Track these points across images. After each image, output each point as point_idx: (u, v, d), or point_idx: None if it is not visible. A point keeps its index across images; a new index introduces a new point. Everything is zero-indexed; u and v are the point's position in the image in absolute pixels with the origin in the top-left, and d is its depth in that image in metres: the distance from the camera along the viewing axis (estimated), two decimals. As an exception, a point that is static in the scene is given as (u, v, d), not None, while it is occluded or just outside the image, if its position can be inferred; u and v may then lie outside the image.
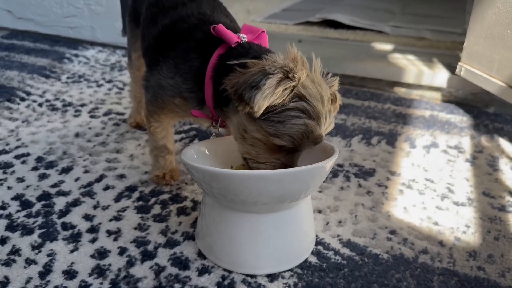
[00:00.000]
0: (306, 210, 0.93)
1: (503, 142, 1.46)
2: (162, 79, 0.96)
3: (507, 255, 0.96)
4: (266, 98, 0.74)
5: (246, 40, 0.88)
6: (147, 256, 0.92)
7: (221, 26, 0.87)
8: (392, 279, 0.88)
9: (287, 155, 0.84)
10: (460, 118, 1.63)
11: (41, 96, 1.69)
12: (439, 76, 1.81)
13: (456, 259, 0.94)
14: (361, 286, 0.86)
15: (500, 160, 1.35)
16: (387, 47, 2.15)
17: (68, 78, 1.88)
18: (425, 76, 1.83)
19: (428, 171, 1.28)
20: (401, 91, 1.89)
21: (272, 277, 0.88)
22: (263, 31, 0.91)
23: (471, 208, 1.12)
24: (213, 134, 1.01)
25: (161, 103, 1.00)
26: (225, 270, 0.89)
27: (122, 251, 0.93)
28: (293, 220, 0.89)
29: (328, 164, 0.81)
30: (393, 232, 1.02)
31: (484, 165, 1.32)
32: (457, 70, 1.71)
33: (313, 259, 0.93)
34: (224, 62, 0.85)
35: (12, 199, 1.08)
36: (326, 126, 0.81)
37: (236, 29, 0.95)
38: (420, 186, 1.20)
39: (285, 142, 0.79)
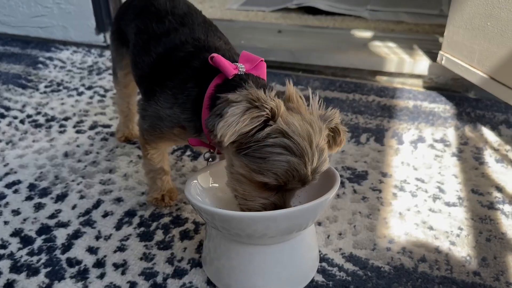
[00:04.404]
0: (310, 229, 0.96)
1: (486, 131, 1.51)
2: (160, 110, 0.95)
3: (499, 257, 1.02)
4: (230, 126, 0.73)
5: (244, 71, 0.88)
6: (158, 289, 0.94)
7: (218, 57, 0.86)
8: (396, 293, 0.93)
9: (277, 193, 0.83)
10: (443, 107, 1.67)
11: (21, 111, 1.64)
12: (420, 64, 1.84)
13: (453, 265, 0.99)
14: (367, 303, 0.91)
15: (484, 151, 1.40)
16: (367, 34, 2.15)
17: (46, 87, 1.82)
18: (406, 64, 1.85)
19: (418, 169, 1.32)
20: (383, 79, 1.91)
21: (282, 301, 0.91)
22: (262, 60, 0.90)
23: (462, 208, 1.16)
24: (210, 160, 1.00)
25: (159, 133, 0.99)
26: (235, 297, 0.91)
27: (132, 285, 0.94)
28: (299, 244, 0.91)
29: (333, 194, 0.83)
30: (391, 241, 1.06)
31: (470, 159, 1.37)
32: (438, 58, 1.74)
33: (320, 278, 0.96)
34: (221, 93, 0.85)
35: (11, 235, 1.07)
36: (315, 165, 0.77)
37: (231, 54, 0.94)
38: (412, 187, 1.24)
39: (269, 179, 0.77)
